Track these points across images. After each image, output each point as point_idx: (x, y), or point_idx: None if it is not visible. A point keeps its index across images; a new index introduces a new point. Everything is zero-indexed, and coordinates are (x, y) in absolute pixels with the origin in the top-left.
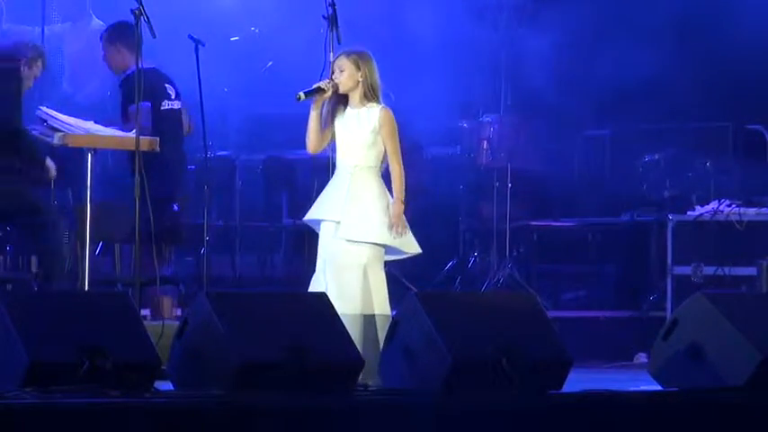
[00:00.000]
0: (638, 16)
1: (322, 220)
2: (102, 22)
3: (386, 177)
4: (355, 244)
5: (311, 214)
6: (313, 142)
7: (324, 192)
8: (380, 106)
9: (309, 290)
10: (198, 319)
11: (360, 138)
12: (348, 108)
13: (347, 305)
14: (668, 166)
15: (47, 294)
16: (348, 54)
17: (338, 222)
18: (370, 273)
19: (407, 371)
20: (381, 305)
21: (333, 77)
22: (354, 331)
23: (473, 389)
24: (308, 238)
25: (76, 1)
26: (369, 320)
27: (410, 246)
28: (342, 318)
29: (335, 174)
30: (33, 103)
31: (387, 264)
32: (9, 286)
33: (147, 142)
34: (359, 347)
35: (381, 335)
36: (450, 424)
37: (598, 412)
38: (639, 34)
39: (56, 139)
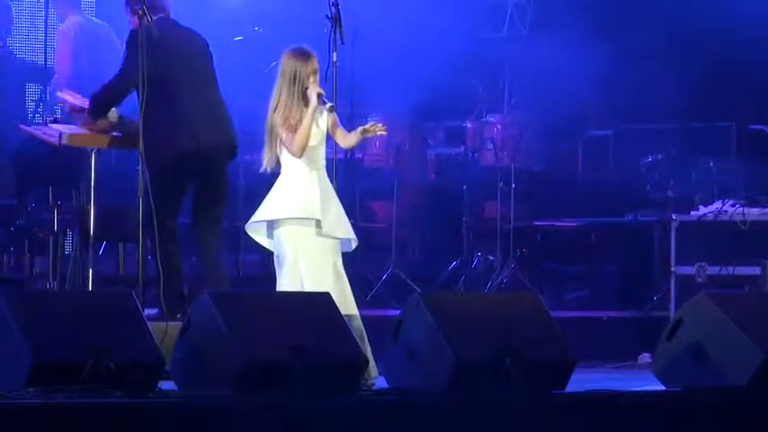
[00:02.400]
0: (640, 16)
1: (291, 218)
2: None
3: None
4: (333, 242)
5: (283, 212)
6: (306, 145)
7: (286, 191)
8: (324, 107)
9: (279, 289)
10: (201, 318)
11: (320, 138)
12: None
13: None
14: (671, 166)
15: (50, 294)
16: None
17: (317, 221)
18: (342, 271)
19: (411, 371)
20: (352, 304)
21: (317, 80)
22: None
23: (476, 389)
24: None
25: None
26: (353, 320)
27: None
28: None
29: (297, 173)
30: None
31: (390, 264)
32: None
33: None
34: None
35: (358, 332)
36: (454, 424)
37: (601, 412)
38: (642, 34)
39: (58, 140)
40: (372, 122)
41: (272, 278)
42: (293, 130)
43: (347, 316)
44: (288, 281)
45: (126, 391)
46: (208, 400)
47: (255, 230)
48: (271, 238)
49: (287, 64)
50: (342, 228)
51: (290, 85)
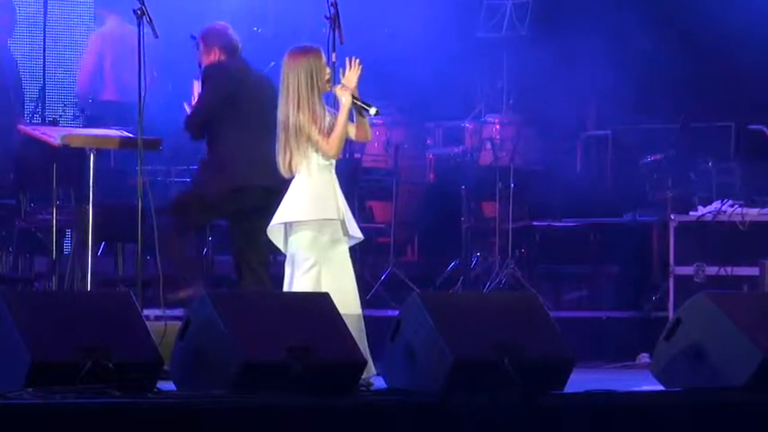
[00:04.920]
0: (639, 16)
1: (312, 220)
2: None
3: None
4: (346, 243)
5: (305, 215)
6: (342, 145)
7: (307, 192)
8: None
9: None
10: (200, 319)
11: None
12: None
13: (346, 305)
14: (670, 167)
15: (49, 294)
16: None
17: (341, 221)
18: (353, 272)
19: (409, 371)
20: (357, 302)
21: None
22: (355, 332)
23: (475, 389)
24: None
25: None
26: (359, 319)
27: None
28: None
29: (316, 174)
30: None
31: (389, 264)
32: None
33: (148, 142)
34: (363, 348)
35: (362, 332)
36: (452, 424)
37: (600, 412)
38: (641, 34)
39: (58, 140)
40: (342, 71)
41: (270, 279)
42: (322, 129)
43: (351, 315)
44: (306, 282)
45: (125, 391)
46: (207, 401)
47: (274, 233)
48: (287, 240)
49: (299, 63)
50: (354, 227)
51: (309, 83)
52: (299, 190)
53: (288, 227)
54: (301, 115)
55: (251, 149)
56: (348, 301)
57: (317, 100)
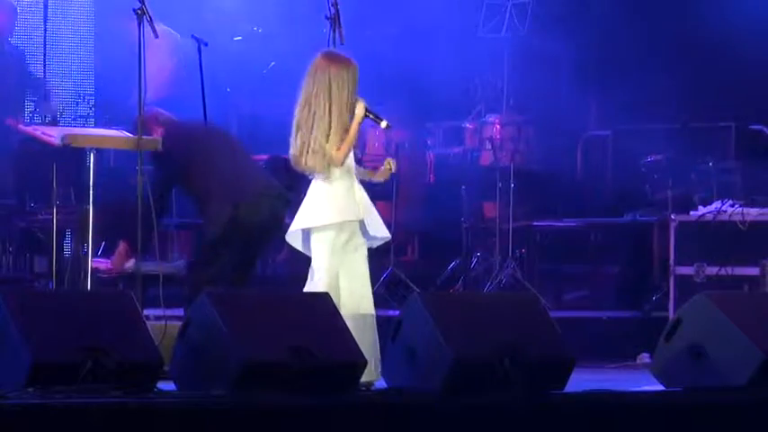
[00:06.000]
0: (640, 17)
1: (330, 224)
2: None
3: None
4: (365, 245)
5: (329, 218)
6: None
7: (324, 197)
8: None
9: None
10: (200, 319)
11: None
12: None
13: (360, 307)
14: (671, 166)
15: (49, 294)
16: None
17: (357, 224)
18: (368, 274)
19: (410, 371)
20: (372, 306)
21: None
22: (368, 333)
23: (475, 389)
24: None
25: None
26: (372, 321)
27: None
28: (353, 319)
29: (337, 177)
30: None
31: (389, 264)
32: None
33: (149, 142)
34: (371, 349)
35: (375, 334)
36: (452, 424)
37: (600, 412)
38: (641, 34)
39: (58, 140)
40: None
41: (270, 279)
42: (338, 143)
43: (364, 316)
44: (322, 286)
45: (125, 391)
46: (207, 401)
47: (292, 238)
48: (307, 244)
49: (347, 77)
50: (379, 227)
51: (349, 103)
52: (317, 194)
53: (306, 232)
54: (331, 139)
55: (232, 176)
56: (362, 304)
57: (348, 113)
